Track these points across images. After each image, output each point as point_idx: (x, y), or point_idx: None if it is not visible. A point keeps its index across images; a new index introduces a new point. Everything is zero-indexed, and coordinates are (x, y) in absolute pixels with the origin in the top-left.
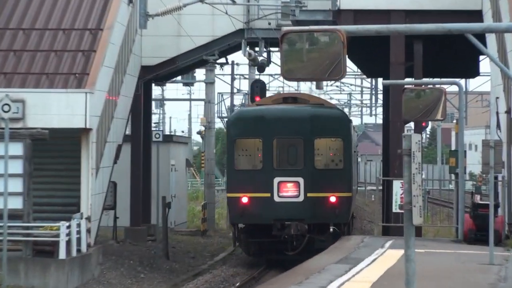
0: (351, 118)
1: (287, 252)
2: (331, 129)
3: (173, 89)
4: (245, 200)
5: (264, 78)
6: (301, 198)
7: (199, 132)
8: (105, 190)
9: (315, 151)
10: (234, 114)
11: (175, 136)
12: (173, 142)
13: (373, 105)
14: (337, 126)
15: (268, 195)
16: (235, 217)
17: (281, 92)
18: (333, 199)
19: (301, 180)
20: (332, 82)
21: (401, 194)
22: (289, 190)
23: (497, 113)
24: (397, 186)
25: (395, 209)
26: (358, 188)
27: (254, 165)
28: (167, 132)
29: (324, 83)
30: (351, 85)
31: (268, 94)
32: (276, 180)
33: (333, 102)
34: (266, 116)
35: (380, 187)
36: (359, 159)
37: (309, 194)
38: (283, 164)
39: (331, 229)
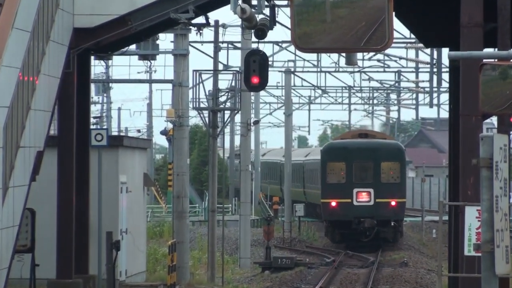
0: (398, 112)
1: (362, 239)
2: (391, 156)
3: (124, 65)
4: (333, 203)
5: (265, 47)
6: (371, 203)
7: (164, 132)
8: (18, 223)
9: (381, 170)
10: (326, 145)
11: (127, 138)
12: (123, 147)
13: (434, 89)
14: (395, 153)
15: (349, 200)
16: (326, 215)
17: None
18: (393, 203)
19: (371, 190)
20: (372, 54)
21: (477, 228)
22: (363, 197)
23: None
24: (472, 216)
25: (468, 251)
26: (410, 220)
27: (339, 180)
28: (114, 132)
29: (359, 55)
30: (400, 59)
31: (270, 70)
32: (355, 190)
33: (374, 84)
34: (348, 147)
35: (445, 217)
36: (413, 174)
37: (377, 200)
38: (359, 179)
39: (392, 224)
